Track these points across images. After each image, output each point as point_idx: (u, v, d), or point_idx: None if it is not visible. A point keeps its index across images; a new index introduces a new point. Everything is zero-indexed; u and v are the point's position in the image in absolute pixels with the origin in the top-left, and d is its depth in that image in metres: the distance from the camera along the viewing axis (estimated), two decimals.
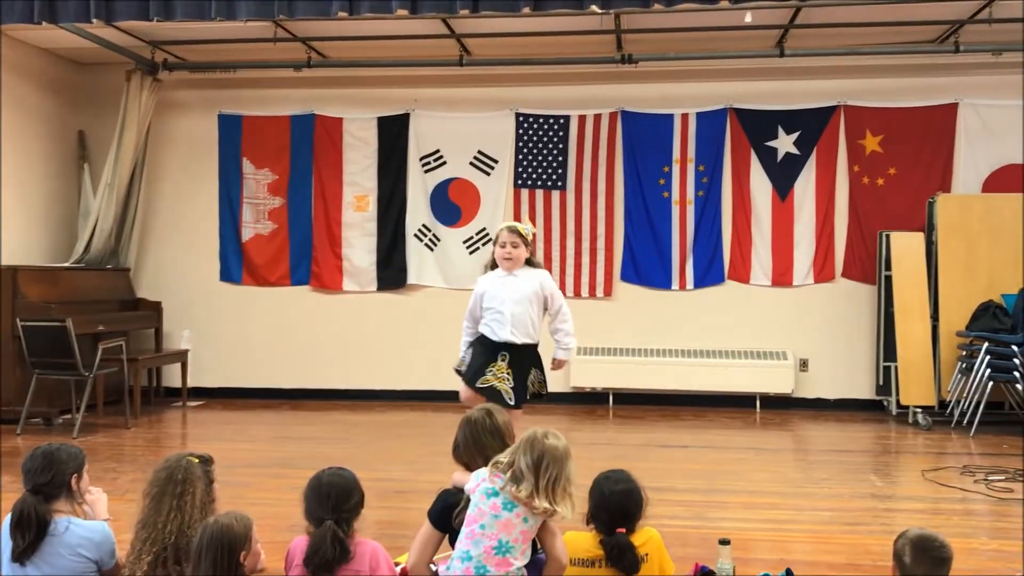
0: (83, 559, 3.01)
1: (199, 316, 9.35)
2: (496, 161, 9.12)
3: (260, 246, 9.37)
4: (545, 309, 5.05)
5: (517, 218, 8.98)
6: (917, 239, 8.19)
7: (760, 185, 8.81)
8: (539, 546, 3.19)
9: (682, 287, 8.91)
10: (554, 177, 9.02)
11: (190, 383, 8.96)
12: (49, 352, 7.21)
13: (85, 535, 3.04)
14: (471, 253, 9.06)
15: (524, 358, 4.91)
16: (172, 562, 2.89)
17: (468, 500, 3.14)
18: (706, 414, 8.45)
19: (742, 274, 8.86)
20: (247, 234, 9.38)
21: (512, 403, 4.77)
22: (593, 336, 8.81)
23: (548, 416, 7.82)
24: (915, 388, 7.86)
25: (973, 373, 7.35)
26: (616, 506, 3.22)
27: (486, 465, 3.18)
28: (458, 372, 5.09)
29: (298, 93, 9.31)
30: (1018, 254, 7.78)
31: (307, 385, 9.23)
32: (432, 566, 3.32)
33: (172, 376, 9.14)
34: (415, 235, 9.23)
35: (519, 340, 4.86)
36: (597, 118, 8.98)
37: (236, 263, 9.40)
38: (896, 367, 8.07)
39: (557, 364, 5.22)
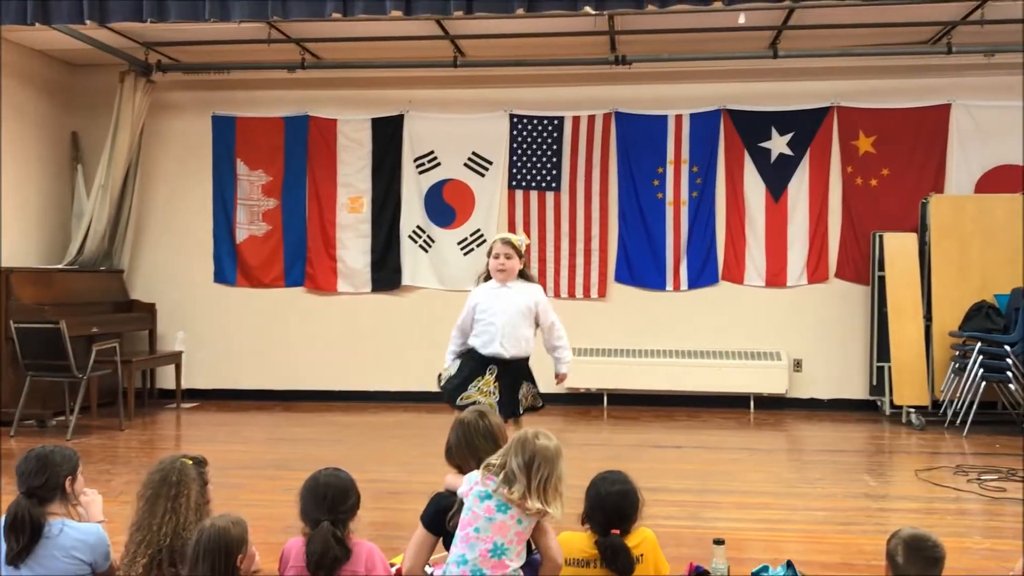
0: (77, 561, 3.01)
1: (193, 318, 9.33)
2: (490, 162, 9.13)
3: (254, 247, 9.36)
4: (536, 324, 4.98)
5: (512, 219, 9.01)
6: (910, 240, 8.22)
7: (754, 186, 8.83)
8: (533, 546, 3.20)
9: (676, 288, 8.93)
10: (548, 178, 9.03)
11: (184, 385, 8.94)
12: (43, 354, 7.20)
13: (79, 537, 3.04)
14: (465, 254, 9.07)
15: (514, 372, 4.81)
16: (167, 564, 2.89)
17: (461, 503, 3.13)
18: (700, 414, 8.46)
19: (736, 275, 8.88)
20: (241, 235, 9.38)
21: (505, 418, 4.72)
22: (587, 337, 8.82)
23: (542, 417, 7.77)
24: (908, 388, 7.89)
25: (966, 373, 7.38)
26: (612, 507, 3.23)
27: (479, 467, 3.18)
28: (438, 381, 4.96)
29: (292, 94, 9.30)
30: (1011, 254, 7.81)
31: (301, 387, 9.22)
32: (428, 567, 3.32)
33: (166, 378, 9.12)
34: (409, 236, 9.23)
35: (508, 354, 4.75)
36: (591, 119, 8.99)
37: (230, 264, 9.39)
38: (889, 367, 8.09)
39: (560, 378, 5.16)
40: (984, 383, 7.30)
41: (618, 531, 3.19)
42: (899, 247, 8.18)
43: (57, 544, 3.00)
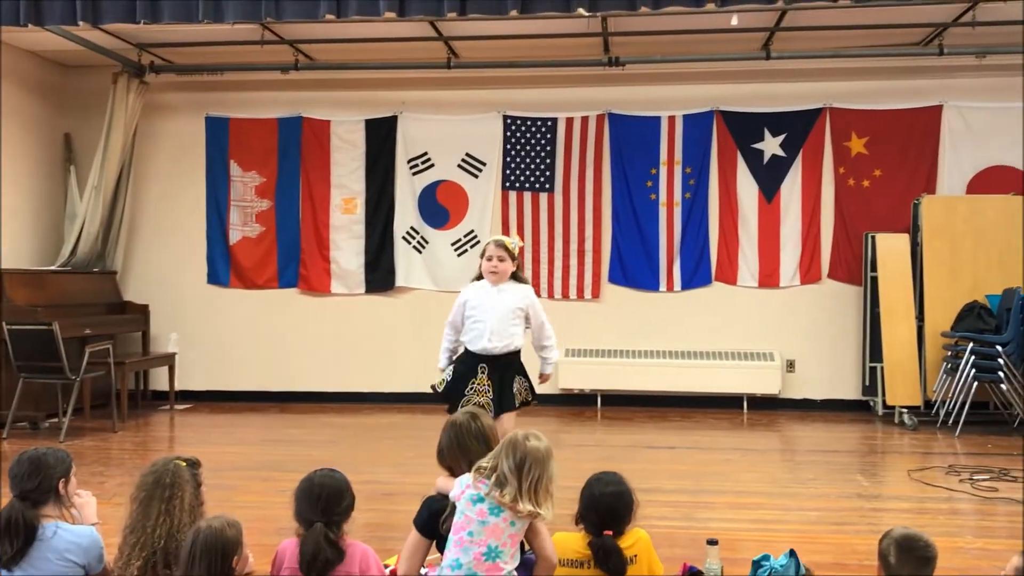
0: (71, 564, 3.00)
1: (186, 319, 9.32)
2: (484, 163, 9.13)
3: (248, 249, 9.35)
4: (527, 324, 5.00)
5: (505, 221, 9.01)
6: (902, 240, 8.25)
7: (746, 187, 8.85)
8: (527, 546, 3.20)
9: (669, 288, 8.94)
10: (542, 179, 9.04)
11: (177, 386, 8.93)
12: (36, 356, 7.17)
13: (73, 540, 3.03)
14: (459, 255, 9.07)
15: (505, 367, 4.82)
16: (161, 566, 2.88)
17: (454, 506, 3.14)
18: (693, 415, 8.48)
19: (729, 275, 8.90)
20: (234, 237, 9.37)
21: (492, 415, 4.73)
22: (581, 338, 8.84)
23: (537, 418, 7.82)
24: (901, 388, 7.92)
25: (958, 373, 7.40)
26: (606, 508, 3.23)
27: (470, 469, 3.18)
28: (434, 390, 4.96)
29: (285, 95, 9.29)
30: (1002, 255, 7.85)
31: (295, 388, 9.22)
32: (423, 569, 3.33)
33: (159, 379, 9.11)
34: (403, 237, 9.23)
35: (497, 349, 4.78)
36: (584, 120, 9.00)
37: (223, 266, 9.38)
38: (882, 367, 8.12)
39: (544, 378, 5.18)
40: (976, 383, 7.32)
41: (611, 532, 3.19)
42: (891, 248, 8.21)
43: (51, 547, 2.99)
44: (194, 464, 3.18)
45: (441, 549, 3.20)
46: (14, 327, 7.23)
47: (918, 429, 7.65)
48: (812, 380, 8.80)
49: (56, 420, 7.63)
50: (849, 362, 8.73)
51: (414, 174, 9.21)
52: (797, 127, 8.78)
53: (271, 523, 4.27)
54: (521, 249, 5.11)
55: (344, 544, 2.99)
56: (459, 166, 9.16)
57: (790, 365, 8.80)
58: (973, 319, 7.66)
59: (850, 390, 8.72)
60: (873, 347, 8.34)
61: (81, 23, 6.91)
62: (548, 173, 9.04)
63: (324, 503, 2.97)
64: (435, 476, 3.48)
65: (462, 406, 4.72)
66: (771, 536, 4.54)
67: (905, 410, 7.88)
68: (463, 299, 4.95)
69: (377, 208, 9.21)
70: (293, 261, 9.31)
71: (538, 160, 9.05)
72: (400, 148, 9.21)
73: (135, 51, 8.81)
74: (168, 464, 3.06)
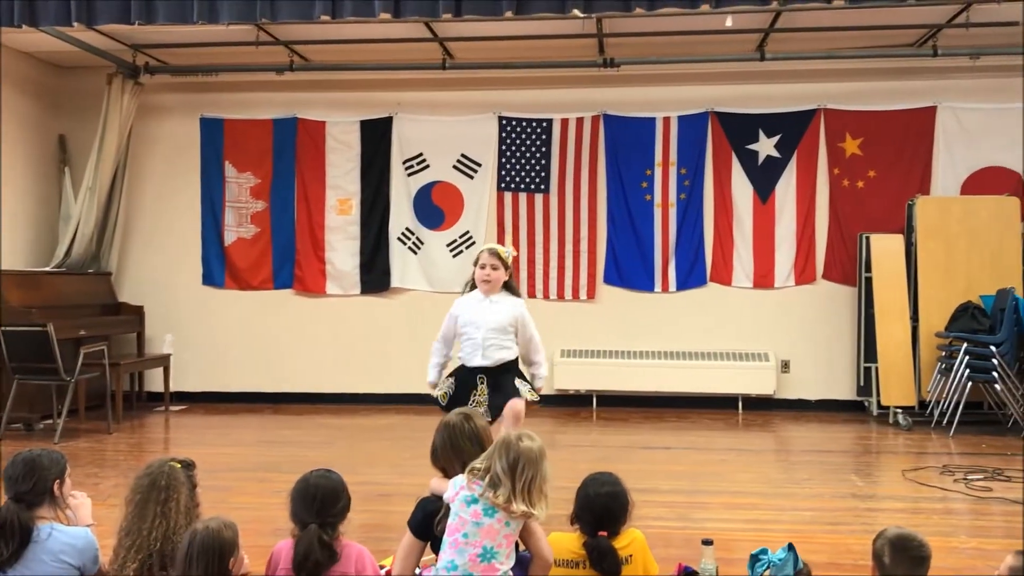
0: (66, 565, 3.00)
1: (181, 320, 9.31)
2: (479, 164, 9.13)
3: (243, 250, 9.34)
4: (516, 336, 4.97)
5: (501, 222, 9.02)
6: (896, 241, 8.27)
7: (741, 188, 8.87)
8: (521, 546, 3.20)
9: (664, 289, 8.96)
10: (537, 180, 9.05)
11: (172, 387, 8.92)
12: (30, 357, 7.16)
13: (68, 541, 3.03)
14: (455, 256, 9.07)
15: (503, 374, 4.84)
16: (158, 568, 2.88)
17: (448, 508, 3.14)
18: (689, 415, 8.49)
19: (724, 276, 8.91)
20: (229, 238, 9.36)
21: (490, 419, 4.75)
22: (576, 338, 8.85)
23: (532, 418, 7.80)
24: (895, 389, 7.94)
25: (952, 373, 7.42)
26: (600, 508, 3.24)
27: (464, 469, 3.19)
28: (438, 403, 4.96)
29: (280, 96, 9.29)
30: (996, 256, 7.87)
31: (290, 389, 9.21)
32: (418, 569, 3.33)
33: (154, 380, 9.10)
34: (398, 238, 9.23)
35: (491, 363, 4.81)
36: (580, 121, 9.01)
37: (218, 267, 9.37)
38: (876, 368, 8.14)
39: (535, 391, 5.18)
40: (970, 383, 7.35)
41: (606, 532, 3.20)
42: (885, 248, 8.23)
43: (45, 548, 2.99)
44: (189, 466, 3.17)
45: (436, 550, 3.20)
46: (8, 328, 7.22)
47: (912, 429, 7.67)
48: (807, 380, 8.81)
49: (51, 421, 7.61)
50: (844, 362, 8.75)
51: (409, 175, 9.21)
52: (792, 128, 8.79)
53: (267, 524, 4.27)
54: (515, 259, 5.11)
55: (340, 545, 2.99)
56: (454, 167, 9.17)
57: (785, 365, 8.81)
58: (967, 319, 7.67)
59: (845, 390, 8.74)
60: (867, 347, 8.35)
61: (75, 24, 6.89)
62: (543, 174, 9.04)
63: (319, 504, 2.97)
64: (431, 477, 3.49)
65: None
66: (766, 536, 4.54)
67: (899, 410, 7.90)
68: (455, 314, 4.96)
69: (372, 209, 9.21)
70: (288, 262, 9.30)
71: (533, 161, 9.05)
72: (395, 149, 9.21)
73: (130, 52, 8.81)
74: (163, 466, 3.06)
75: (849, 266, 8.71)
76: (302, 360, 9.25)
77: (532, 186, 9.05)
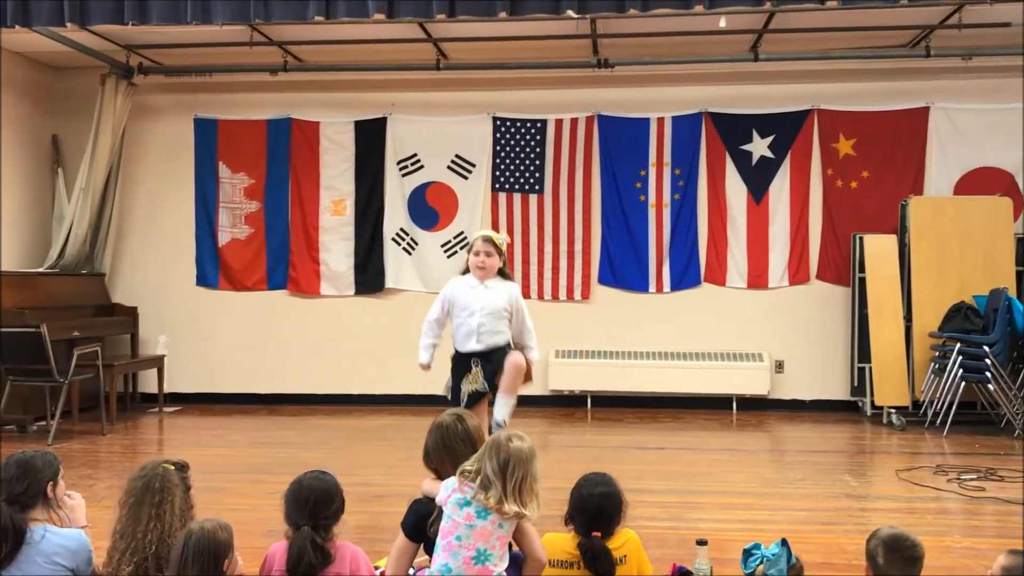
0: (59, 567, 2.99)
1: (175, 321, 9.29)
2: (474, 165, 9.13)
3: (237, 250, 9.33)
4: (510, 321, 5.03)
5: (495, 222, 9.01)
6: (890, 241, 8.29)
7: (735, 188, 8.88)
8: (514, 545, 3.20)
9: (659, 290, 8.96)
10: (531, 181, 9.05)
11: (166, 388, 8.91)
12: (23, 358, 7.14)
13: (61, 543, 3.02)
14: (449, 257, 9.07)
15: (498, 358, 4.88)
16: (153, 570, 2.88)
17: (440, 510, 3.13)
18: (683, 416, 8.50)
19: (718, 276, 8.92)
20: (224, 238, 9.34)
21: (486, 390, 4.82)
22: (571, 339, 8.86)
23: (527, 419, 7.83)
24: (889, 389, 7.95)
25: (946, 373, 7.44)
26: (595, 508, 3.24)
27: (456, 471, 3.18)
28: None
29: (274, 97, 9.28)
30: (989, 256, 7.90)
31: (284, 390, 9.20)
32: (412, 569, 3.33)
33: (148, 382, 9.08)
34: (393, 239, 9.22)
35: (485, 347, 4.86)
36: (574, 122, 9.02)
37: (212, 268, 9.35)
38: (870, 368, 8.16)
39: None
40: (963, 383, 7.36)
41: (600, 533, 3.20)
42: (879, 249, 8.25)
43: (39, 550, 2.98)
44: (182, 467, 3.17)
45: (429, 552, 3.20)
46: (2, 329, 7.19)
47: (906, 429, 7.69)
48: (801, 381, 8.83)
49: (44, 423, 7.59)
50: (837, 363, 8.77)
51: (404, 175, 9.21)
52: (785, 129, 8.81)
53: (261, 525, 4.27)
54: (509, 245, 5.15)
55: (334, 547, 2.99)
56: (449, 167, 9.16)
57: (779, 366, 8.83)
58: (960, 320, 7.69)
59: (838, 390, 8.76)
60: (861, 348, 8.37)
61: (69, 24, 6.88)
62: (538, 175, 9.05)
63: (312, 506, 2.98)
64: (424, 478, 3.48)
65: (467, 402, 4.80)
66: (760, 536, 4.53)
67: (893, 410, 7.92)
68: (449, 294, 5.01)
69: (367, 210, 9.21)
70: (282, 263, 9.29)
71: (528, 161, 9.05)
72: (390, 149, 9.21)
73: (123, 52, 8.78)
74: (156, 468, 3.05)
75: (843, 266, 8.73)
76: (296, 361, 9.24)
77: (526, 186, 9.06)
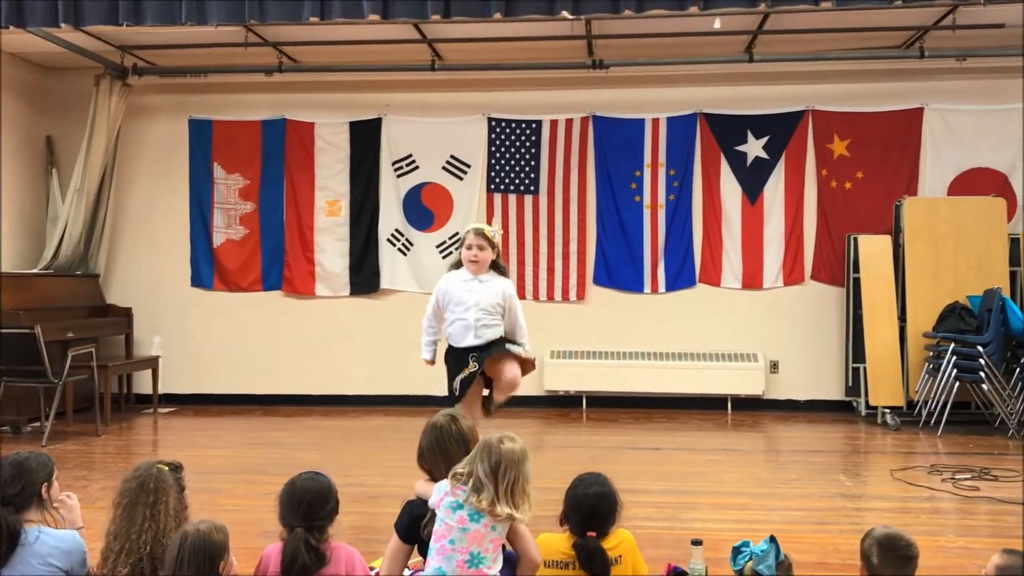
0: (54, 568, 2.99)
1: (170, 322, 9.28)
2: (469, 165, 9.13)
3: (231, 251, 9.32)
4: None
5: (490, 221, 8.98)
6: (884, 242, 8.30)
7: (730, 189, 8.89)
8: (507, 545, 3.20)
9: (654, 290, 8.97)
10: (527, 181, 9.06)
11: (161, 389, 8.89)
12: (18, 359, 7.12)
13: (55, 544, 3.02)
14: (444, 257, 9.05)
15: (492, 345, 4.92)
16: (149, 571, 2.87)
17: (434, 512, 3.13)
18: (678, 416, 8.50)
19: (713, 277, 8.93)
20: (218, 239, 9.33)
21: (479, 367, 4.83)
22: (566, 339, 8.86)
23: (522, 420, 7.85)
24: (883, 389, 7.97)
25: (940, 374, 7.46)
26: (589, 508, 3.24)
27: (449, 471, 3.18)
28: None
29: (269, 98, 9.27)
30: (983, 256, 7.92)
31: (279, 391, 9.19)
32: (407, 571, 3.33)
33: (143, 383, 9.06)
34: (388, 240, 9.22)
35: (482, 342, 4.89)
36: (569, 123, 9.02)
37: (207, 268, 9.34)
38: (865, 368, 8.17)
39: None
40: (957, 383, 7.39)
41: (595, 533, 3.20)
42: (873, 249, 8.26)
43: (33, 551, 2.98)
44: (176, 468, 3.16)
45: (423, 553, 3.20)
46: None
47: (900, 429, 7.71)
48: (795, 381, 8.84)
49: (38, 424, 7.58)
50: (832, 363, 8.78)
51: (399, 176, 9.21)
52: (780, 129, 8.82)
53: (255, 526, 4.26)
54: (503, 237, 5.15)
55: (329, 548, 2.99)
56: (444, 168, 9.16)
57: (774, 366, 8.84)
58: (954, 320, 7.71)
59: (833, 391, 8.77)
60: (856, 348, 8.39)
61: (63, 25, 6.86)
62: (533, 175, 9.05)
63: (306, 507, 2.97)
64: (419, 479, 3.48)
65: (460, 391, 4.81)
66: (755, 536, 4.53)
67: (888, 410, 7.94)
68: (443, 289, 5.02)
69: (361, 210, 9.20)
70: (277, 263, 9.28)
71: (523, 162, 9.06)
72: (384, 150, 9.20)
73: (118, 53, 8.77)
74: (151, 469, 3.05)
75: (837, 267, 8.74)
76: (291, 362, 9.23)
77: (521, 187, 9.06)
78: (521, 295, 8.78)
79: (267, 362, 9.24)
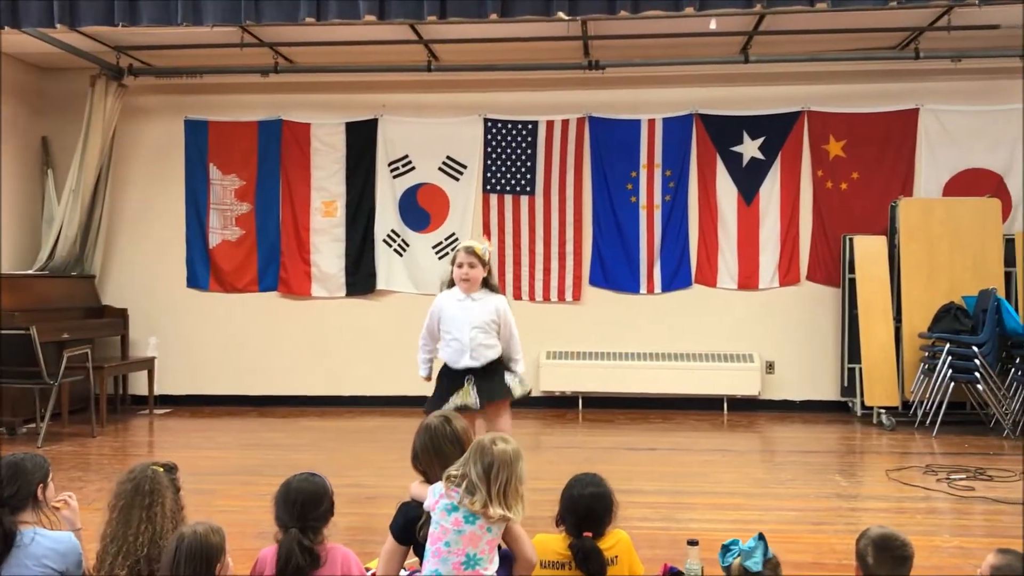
0: (49, 570, 2.98)
1: (166, 323, 9.27)
2: (465, 166, 9.13)
3: (227, 252, 9.31)
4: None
5: (486, 223, 9.02)
6: (880, 242, 8.32)
7: (726, 190, 8.90)
8: (502, 546, 3.20)
9: (650, 291, 8.98)
10: (523, 182, 9.06)
11: (157, 391, 8.88)
12: (13, 360, 7.11)
13: (51, 546, 3.01)
14: (440, 258, 9.05)
15: (490, 372, 4.84)
16: (145, 574, 2.87)
17: (429, 515, 3.13)
18: (674, 416, 8.51)
19: (709, 278, 8.94)
20: (214, 240, 9.32)
21: (478, 407, 4.75)
22: (562, 340, 8.87)
23: (518, 420, 7.81)
24: (879, 389, 7.98)
25: (935, 374, 7.47)
26: (585, 509, 3.24)
27: (444, 472, 3.17)
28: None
29: (265, 98, 9.26)
30: (978, 257, 7.93)
31: (275, 392, 9.18)
32: (404, 572, 3.33)
33: (138, 384, 9.05)
34: (384, 240, 9.22)
35: (479, 365, 4.80)
36: (565, 123, 9.03)
37: (203, 269, 9.33)
38: (860, 368, 8.18)
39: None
40: (953, 384, 7.40)
41: (591, 533, 3.21)
42: (869, 250, 8.28)
43: (28, 553, 2.97)
44: (171, 469, 3.16)
45: (419, 554, 3.20)
46: None
47: (896, 429, 7.72)
48: (791, 381, 8.86)
49: (34, 425, 7.56)
50: (827, 363, 8.80)
51: (395, 177, 9.20)
52: (776, 130, 8.84)
53: (251, 527, 4.26)
54: (500, 247, 5.12)
55: (324, 549, 2.98)
56: (440, 169, 9.16)
57: (769, 366, 8.85)
58: (950, 320, 7.73)
59: (829, 391, 8.78)
60: (851, 348, 8.40)
61: (58, 25, 6.83)
62: (529, 176, 9.05)
63: (300, 509, 2.97)
64: (414, 480, 3.48)
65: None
66: (751, 536, 4.56)
67: (883, 410, 7.95)
68: (438, 308, 4.95)
69: (358, 211, 9.20)
70: (273, 264, 9.28)
71: (519, 163, 9.06)
72: (381, 151, 9.20)
73: (113, 54, 8.75)
74: (146, 470, 3.04)
75: (833, 267, 8.76)
76: (287, 363, 9.22)
77: (517, 188, 9.06)
78: (517, 296, 8.90)
79: (263, 363, 9.23)
